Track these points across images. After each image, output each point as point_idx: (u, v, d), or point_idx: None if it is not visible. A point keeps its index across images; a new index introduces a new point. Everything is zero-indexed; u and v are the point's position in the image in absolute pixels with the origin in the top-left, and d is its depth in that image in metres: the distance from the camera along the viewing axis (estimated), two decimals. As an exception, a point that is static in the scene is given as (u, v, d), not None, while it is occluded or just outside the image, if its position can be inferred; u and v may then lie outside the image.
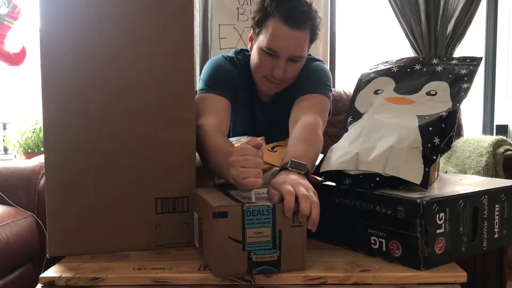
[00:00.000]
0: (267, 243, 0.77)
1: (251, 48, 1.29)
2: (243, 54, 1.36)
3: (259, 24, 1.23)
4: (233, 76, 1.29)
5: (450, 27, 2.97)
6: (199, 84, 1.29)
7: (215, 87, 1.23)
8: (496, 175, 2.00)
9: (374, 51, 3.18)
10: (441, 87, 0.99)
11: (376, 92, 1.06)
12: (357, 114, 1.05)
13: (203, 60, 2.93)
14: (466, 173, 2.09)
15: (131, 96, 0.91)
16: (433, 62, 1.06)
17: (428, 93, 0.99)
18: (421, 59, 1.08)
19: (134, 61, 0.91)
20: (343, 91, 2.64)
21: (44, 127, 0.90)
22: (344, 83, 3.03)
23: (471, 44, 3.11)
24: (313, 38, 1.25)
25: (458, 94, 0.96)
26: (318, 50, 2.81)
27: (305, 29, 1.20)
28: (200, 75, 3.21)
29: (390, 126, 0.93)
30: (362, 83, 1.11)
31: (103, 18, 0.90)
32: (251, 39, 1.29)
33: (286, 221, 0.77)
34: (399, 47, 3.08)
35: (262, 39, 1.21)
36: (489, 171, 2.01)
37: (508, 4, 3.16)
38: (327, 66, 3.11)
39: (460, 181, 1.03)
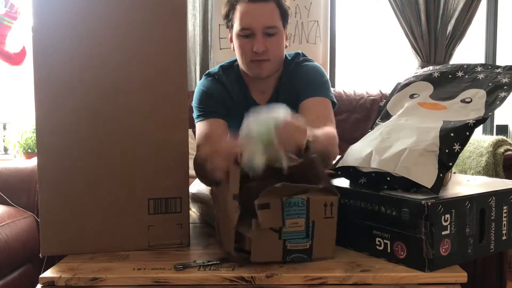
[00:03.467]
0: (301, 232, 0.81)
1: (234, 48, 1.32)
2: (230, 66, 1.37)
3: (228, 16, 1.28)
4: (219, 93, 1.32)
5: (450, 27, 2.97)
6: (193, 111, 1.35)
7: (206, 111, 1.29)
8: (496, 175, 2.00)
9: (374, 51, 3.18)
10: (478, 95, 0.97)
11: (412, 96, 1.05)
12: (386, 116, 1.05)
13: (203, 60, 2.93)
14: (466, 173, 2.09)
15: (124, 96, 0.91)
16: (477, 70, 1.03)
17: (463, 100, 0.97)
18: (465, 66, 1.06)
19: (127, 61, 0.91)
20: (343, 91, 2.64)
21: (36, 126, 0.90)
22: (344, 83, 3.03)
23: (471, 44, 3.12)
24: (283, 11, 1.27)
25: (493, 103, 0.93)
26: (318, 50, 2.81)
27: (269, 1, 1.24)
28: (199, 75, 3.22)
29: (411, 128, 0.93)
30: (399, 86, 1.10)
31: (97, 17, 0.90)
32: (232, 40, 1.32)
33: (318, 213, 0.82)
34: (399, 47, 3.08)
35: (235, 27, 1.26)
36: (489, 171, 2.01)
37: (508, 4, 3.16)
38: (327, 66, 3.11)
39: (468, 182, 1.02)
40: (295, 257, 0.83)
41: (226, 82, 1.33)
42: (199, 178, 1.18)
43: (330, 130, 1.14)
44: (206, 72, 1.39)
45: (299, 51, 1.41)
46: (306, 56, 1.40)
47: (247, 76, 1.32)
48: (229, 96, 1.33)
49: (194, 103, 1.35)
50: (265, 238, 0.80)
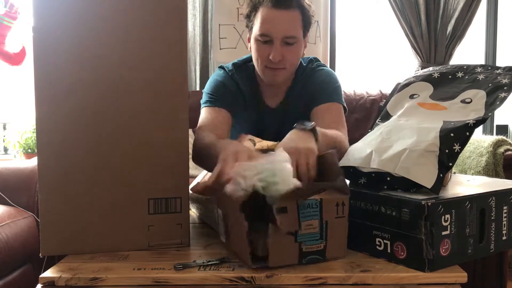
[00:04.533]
0: (316, 234, 0.82)
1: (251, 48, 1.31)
2: (243, 64, 1.37)
3: (250, 17, 1.27)
4: (233, 89, 1.32)
5: (450, 27, 2.97)
6: (202, 97, 1.34)
7: (216, 99, 1.29)
8: (496, 175, 2.00)
9: (374, 51, 3.18)
10: (478, 96, 0.97)
11: (411, 97, 1.05)
12: (386, 116, 1.05)
13: (203, 60, 2.93)
14: (466, 173, 2.09)
15: (124, 96, 0.91)
16: (477, 71, 1.04)
17: (463, 101, 0.98)
18: (465, 67, 1.06)
19: (127, 61, 0.91)
20: (343, 91, 2.64)
21: (37, 126, 0.90)
22: (344, 83, 3.03)
23: (471, 44, 3.11)
24: (306, 20, 1.25)
25: (493, 103, 0.94)
26: (318, 50, 2.81)
27: (293, 9, 1.21)
28: (199, 75, 3.21)
29: (411, 129, 0.93)
30: (399, 87, 1.10)
31: (97, 17, 0.90)
32: (249, 40, 1.31)
33: (331, 213, 0.82)
34: (399, 47, 3.08)
35: (255, 30, 1.24)
36: (489, 171, 2.01)
37: (508, 4, 3.16)
38: (327, 66, 3.12)
39: (468, 182, 1.02)
40: (310, 259, 0.83)
41: (239, 81, 1.33)
42: (197, 164, 1.17)
43: (338, 133, 1.16)
44: (221, 66, 1.39)
45: (313, 57, 1.41)
46: (320, 61, 1.40)
47: (260, 78, 1.32)
48: (242, 95, 1.33)
49: (205, 90, 1.34)
50: (282, 242, 0.80)
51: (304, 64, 1.36)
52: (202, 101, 1.33)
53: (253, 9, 1.25)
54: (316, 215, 0.81)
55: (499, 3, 3.13)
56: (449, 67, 1.09)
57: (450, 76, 1.06)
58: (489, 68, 1.03)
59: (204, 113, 1.29)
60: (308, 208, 0.80)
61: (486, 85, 0.98)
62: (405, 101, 1.05)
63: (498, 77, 0.99)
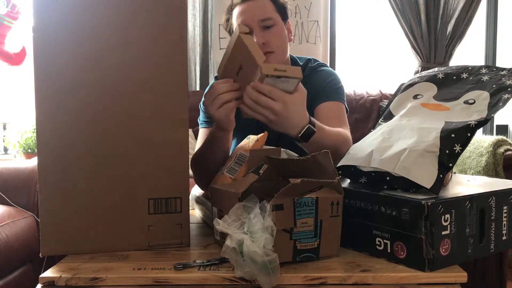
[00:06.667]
0: (310, 232, 0.82)
1: None
2: None
3: (228, 21, 1.32)
4: None
5: (450, 27, 2.98)
6: (200, 113, 1.35)
7: (210, 120, 1.30)
8: (496, 175, 2.00)
9: (374, 51, 3.18)
10: (482, 97, 0.97)
11: (415, 97, 1.05)
12: (389, 116, 1.05)
13: (203, 60, 2.93)
14: (466, 173, 2.10)
15: (124, 96, 0.91)
16: (481, 72, 1.03)
17: (466, 102, 0.97)
18: (470, 68, 1.06)
19: (127, 61, 0.91)
20: (343, 91, 2.64)
21: (36, 126, 0.90)
22: (344, 83, 3.03)
23: (471, 44, 3.12)
24: (278, 5, 1.29)
25: (496, 104, 0.93)
26: (318, 50, 2.81)
27: None
28: (199, 75, 3.19)
29: (412, 129, 0.93)
30: (403, 87, 1.10)
31: (97, 17, 0.90)
32: None
33: (326, 212, 0.83)
34: (399, 47, 3.08)
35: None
36: (489, 171, 2.01)
37: (508, 4, 3.16)
38: (328, 66, 3.12)
39: (468, 182, 1.02)
40: (304, 257, 0.83)
41: None
42: (196, 180, 1.18)
43: (342, 130, 1.15)
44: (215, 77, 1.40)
45: (311, 57, 1.41)
46: (319, 61, 1.40)
47: None
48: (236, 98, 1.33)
49: (201, 106, 1.35)
50: (277, 239, 0.80)
51: (301, 64, 1.36)
52: (199, 118, 1.34)
53: (229, 13, 1.31)
54: (312, 213, 0.82)
55: (499, 3, 3.13)
56: (454, 67, 1.09)
57: (454, 77, 1.05)
58: (494, 69, 1.03)
59: (201, 135, 1.30)
60: (304, 206, 0.81)
61: (490, 86, 0.98)
62: (408, 101, 1.05)
63: (503, 78, 0.98)
